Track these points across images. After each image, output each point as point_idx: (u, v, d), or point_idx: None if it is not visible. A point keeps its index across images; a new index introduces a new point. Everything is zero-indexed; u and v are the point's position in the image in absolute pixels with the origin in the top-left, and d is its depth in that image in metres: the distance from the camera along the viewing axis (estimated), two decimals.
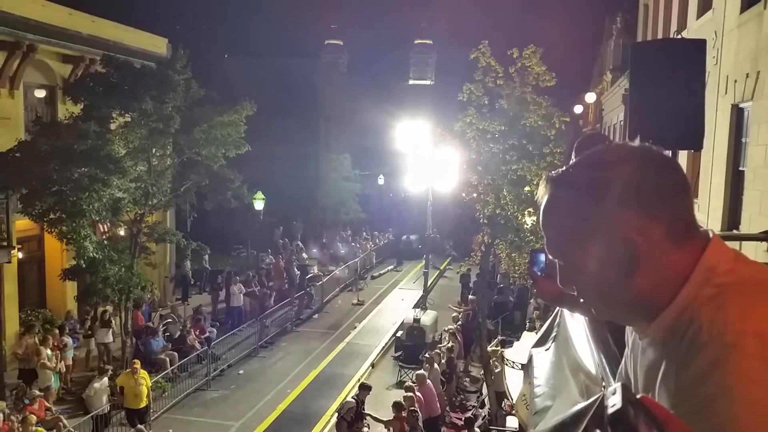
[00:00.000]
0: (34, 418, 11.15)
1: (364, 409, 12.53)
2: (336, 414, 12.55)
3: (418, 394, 12.85)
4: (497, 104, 17.37)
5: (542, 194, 1.14)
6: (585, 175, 1.09)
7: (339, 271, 27.51)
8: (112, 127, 14.73)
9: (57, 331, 15.03)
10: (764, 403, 0.85)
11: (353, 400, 12.44)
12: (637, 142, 1.12)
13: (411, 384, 13.61)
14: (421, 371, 14.18)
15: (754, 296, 0.97)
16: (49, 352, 13.61)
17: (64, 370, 14.63)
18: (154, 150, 15.48)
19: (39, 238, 17.29)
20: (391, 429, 11.93)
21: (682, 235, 1.05)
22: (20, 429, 11.01)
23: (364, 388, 13.10)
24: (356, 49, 71.00)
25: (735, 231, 8.82)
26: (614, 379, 1.37)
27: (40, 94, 17.40)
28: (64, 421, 12.35)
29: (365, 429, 12.40)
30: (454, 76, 28.69)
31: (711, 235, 1.08)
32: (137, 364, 13.23)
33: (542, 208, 1.14)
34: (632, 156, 1.08)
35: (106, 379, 13.32)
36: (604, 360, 1.55)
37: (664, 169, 1.06)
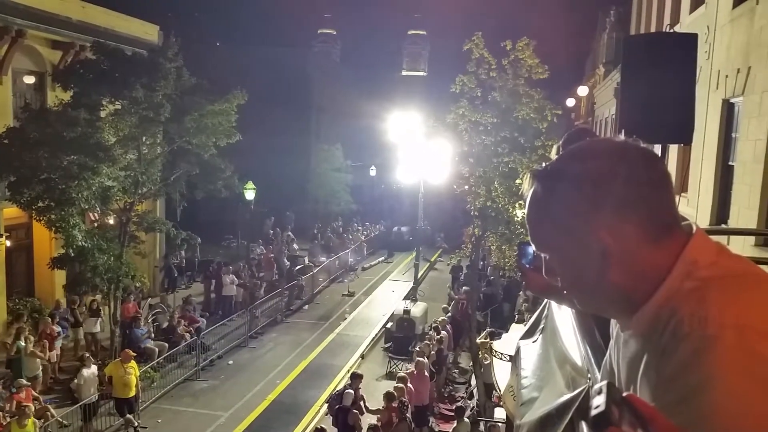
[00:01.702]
0: (31, 407, 11.05)
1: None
2: (336, 405, 12.38)
3: (409, 385, 12.89)
4: (490, 96, 17.37)
5: (526, 188, 1.16)
6: (563, 170, 1.10)
7: (329, 262, 27.51)
8: (102, 114, 14.61)
9: (49, 319, 14.92)
10: (745, 393, 0.85)
11: (352, 392, 12.36)
12: (620, 138, 1.12)
13: (404, 374, 13.65)
14: (419, 359, 14.21)
15: (735, 289, 0.97)
16: (22, 342, 13.33)
17: (54, 359, 14.56)
18: (144, 138, 15.37)
19: (27, 226, 17.16)
20: (380, 418, 11.96)
21: (661, 231, 1.05)
22: (13, 417, 10.90)
23: (356, 377, 13.13)
24: (349, 38, 70.80)
25: (723, 225, 8.89)
26: (599, 370, 1.38)
27: (30, 80, 17.21)
28: (52, 410, 12.27)
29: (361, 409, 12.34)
30: (448, 67, 28.62)
31: (694, 229, 1.09)
32: (129, 353, 13.19)
33: (526, 201, 1.16)
34: (608, 153, 1.08)
35: (94, 368, 13.23)
36: (589, 352, 1.56)
37: (640, 165, 1.05)
